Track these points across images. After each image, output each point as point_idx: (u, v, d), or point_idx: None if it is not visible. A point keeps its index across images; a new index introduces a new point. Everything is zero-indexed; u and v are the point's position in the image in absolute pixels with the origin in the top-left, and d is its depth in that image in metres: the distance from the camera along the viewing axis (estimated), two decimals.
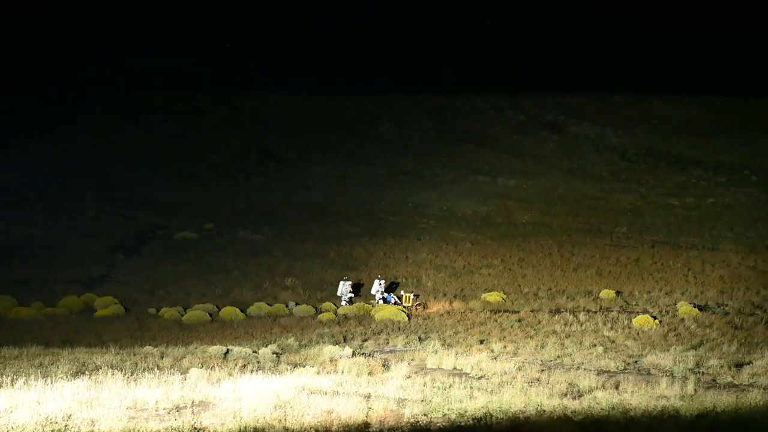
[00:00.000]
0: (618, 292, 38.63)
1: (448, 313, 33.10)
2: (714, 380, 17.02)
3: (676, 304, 34.43)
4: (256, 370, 16.06)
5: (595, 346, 22.73)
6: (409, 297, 35.63)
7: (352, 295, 36.42)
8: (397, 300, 35.76)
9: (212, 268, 42.21)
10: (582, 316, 30.42)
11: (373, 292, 36.50)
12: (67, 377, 13.20)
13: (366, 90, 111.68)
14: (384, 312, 32.49)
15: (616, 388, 14.92)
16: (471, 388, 14.19)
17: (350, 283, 36.69)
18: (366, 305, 34.86)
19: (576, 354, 21.11)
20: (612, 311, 32.68)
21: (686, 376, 17.01)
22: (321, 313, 33.54)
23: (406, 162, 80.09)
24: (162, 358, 18.38)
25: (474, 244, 50.68)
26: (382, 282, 36.71)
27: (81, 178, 65.00)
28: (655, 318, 29.43)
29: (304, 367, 16.90)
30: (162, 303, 34.81)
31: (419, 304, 35.22)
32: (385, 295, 36.35)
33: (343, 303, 35.63)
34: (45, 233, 48.00)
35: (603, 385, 15.09)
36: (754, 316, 30.93)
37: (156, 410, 10.64)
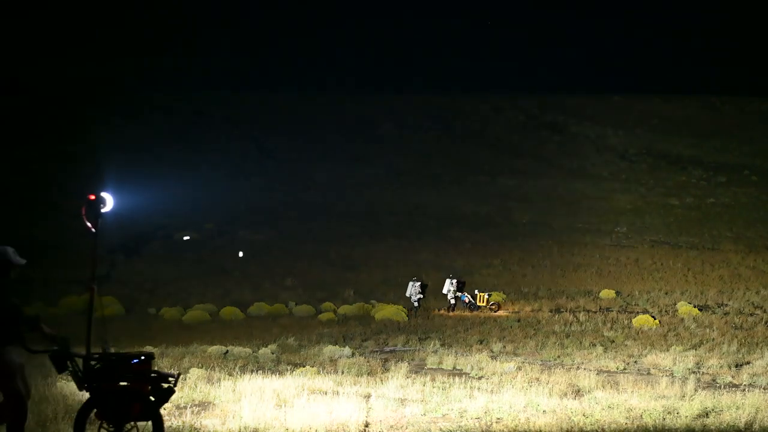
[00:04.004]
0: (618, 292, 38.64)
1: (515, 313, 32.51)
2: (714, 380, 17.02)
3: (676, 304, 34.44)
4: (256, 370, 16.06)
5: (595, 346, 22.74)
6: (484, 296, 34.60)
7: (422, 296, 34.89)
8: (471, 299, 34.57)
9: (212, 268, 42.22)
10: (582, 316, 30.43)
11: (444, 291, 35.11)
12: (66, 377, 13.20)
13: (366, 90, 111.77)
14: (384, 312, 32.45)
15: (616, 388, 14.91)
16: (471, 387, 14.19)
17: (420, 283, 35.01)
18: (366, 305, 34.73)
19: (576, 354, 21.11)
20: (612, 311, 32.68)
21: (686, 376, 17.01)
22: (321, 313, 33.47)
23: (406, 162, 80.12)
24: (162, 358, 18.38)
25: (474, 244, 50.71)
26: (454, 281, 35.14)
27: (81, 178, 65.00)
28: (655, 318, 29.43)
29: (304, 367, 16.90)
30: (162, 303, 34.80)
31: (493, 304, 34.39)
32: (459, 294, 34.94)
33: (414, 304, 34.37)
34: (45, 233, 48.01)
35: (603, 385, 15.09)
36: (754, 316, 30.94)
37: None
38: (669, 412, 11.62)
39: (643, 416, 11.41)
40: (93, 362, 7.48)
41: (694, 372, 18.08)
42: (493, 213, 62.76)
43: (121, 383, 7.40)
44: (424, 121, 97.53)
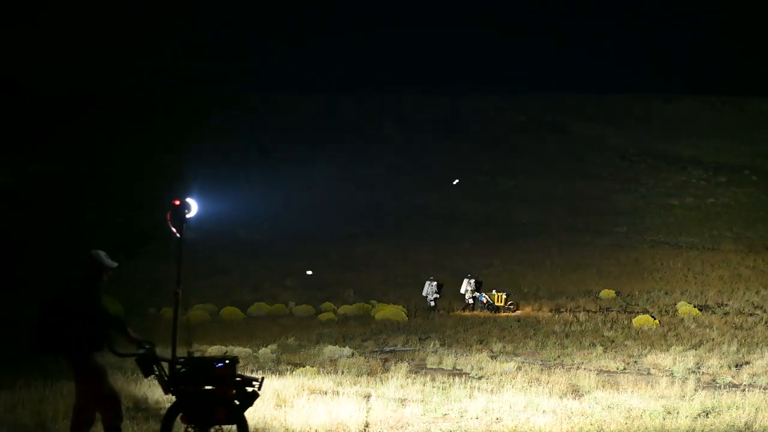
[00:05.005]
0: (618, 292, 38.65)
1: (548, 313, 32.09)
2: (714, 380, 17.01)
3: (676, 304, 34.44)
4: (256, 370, 16.06)
5: (595, 346, 22.73)
6: (501, 296, 34.15)
7: (438, 296, 34.50)
8: (489, 299, 34.09)
9: (212, 268, 42.18)
10: (582, 316, 30.42)
11: (462, 291, 34.73)
12: (67, 377, 13.20)
13: (366, 90, 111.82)
14: (384, 312, 32.39)
15: (616, 388, 14.91)
16: (471, 387, 14.19)
17: (436, 283, 34.56)
18: (366, 305, 34.66)
19: (576, 354, 21.10)
20: (612, 311, 32.68)
21: (686, 376, 17.01)
22: (321, 313, 33.42)
23: (406, 162, 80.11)
24: None
25: (474, 244, 50.72)
26: (472, 281, 34.68)
27: (81, 178, 65.00)
28: (655, 318, 29.43)
29: (304, 367, 16.90)
30: (162, 303, 34.74)
31: (511, 304, 33.97)
32: (476, 294, 34.42)
33: (431, 304, 34.07)
34: (45, 233, 48.00)
35: (603, 385, 15.09)
36: (754, 316, 30.93)
37: (157, 410, 10.64)
38: (669, 412, 11.62)
39: (643, 416, 11.41)
40: (178, 366, 7.52)
41: (694, 372, 18.07)
42: (493, 213, 62.77)
43: (206, 387, 7.44)
44: (424, 121, 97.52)
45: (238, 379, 7.56)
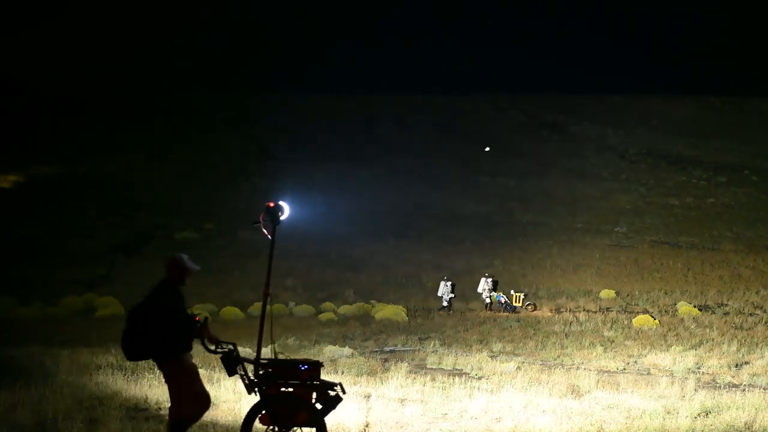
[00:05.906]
0: (618, 292, 38.64)
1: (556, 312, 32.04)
2: (714, 380, 17.02)
3: (676, 304, 34.44)
4: None
5: (595, 346, 22.73)
6: (520, 297, 33.97)
7: (453, 295, 34.32)
8: (507, 300, 33.87)
9: (212, 268, 42.15)
10: (582, 316, 30.42)
11: (479, 290, 34.54)
12: (67, 377, 13.20)
13: (366, 90, 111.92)
14: (384, 312, 32.39)
15: (616, 388, 14.91)
16: (471, 387, 14.19)
17: (451, 283, 34.34)
18: (366, 305, 34.65)
19: (576, 354, 21.10)
20: (612, 311, 32.68)
21: (686, 376, 17.01)
22: (321, 313, 33.40)
23: (406, 162, 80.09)
24: None
25: (474, 244, 50.70)
26: (489, 280, 34.45)
27: (81, 178, 64.99)
28: (655, 318, 29.43)
29: None
30: None
31: (529, 304, 33.82)
32: (494, 294, 34.16)
33: (444, 304, 33.95)
34: (45, 233, 48.00)
35: (603, 385, 15.09)
36: (754, 316, 30.94)
37: (157, 410, 10.65)
38: (669, 412, 11.62)
39: (643, 416, 11.41)
40: (262, 368, 7.52)
41: (694, 372, 18.07)
42: (493, 213, 62.77)
43: (289, 389, 7.47)
44: (424, 121, 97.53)
45: (317, 383, 7.54)
